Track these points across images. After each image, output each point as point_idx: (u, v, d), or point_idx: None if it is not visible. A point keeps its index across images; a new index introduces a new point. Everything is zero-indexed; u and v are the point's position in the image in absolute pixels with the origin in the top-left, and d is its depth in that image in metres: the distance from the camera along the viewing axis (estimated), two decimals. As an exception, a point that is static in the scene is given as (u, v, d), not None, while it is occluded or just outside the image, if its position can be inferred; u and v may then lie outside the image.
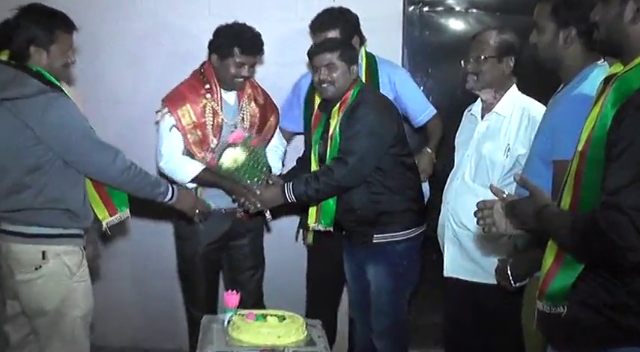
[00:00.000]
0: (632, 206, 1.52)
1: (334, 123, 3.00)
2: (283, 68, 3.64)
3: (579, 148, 1.73)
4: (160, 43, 3.81)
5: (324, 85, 2.99)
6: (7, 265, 2.55)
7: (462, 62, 2.81)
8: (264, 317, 2.71)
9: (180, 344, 3.57)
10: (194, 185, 3.14)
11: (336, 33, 3.21)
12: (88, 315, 2.63)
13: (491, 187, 1.95)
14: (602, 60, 2.24)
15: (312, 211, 3.11)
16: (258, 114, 3.26)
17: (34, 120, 2.43)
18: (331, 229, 3.09)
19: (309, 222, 3.14)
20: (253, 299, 3.25)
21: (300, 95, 3.49)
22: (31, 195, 2.47)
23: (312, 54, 3.03)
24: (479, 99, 2.88)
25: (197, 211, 3.02)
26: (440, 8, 3.95)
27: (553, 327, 1.82)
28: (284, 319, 2.70)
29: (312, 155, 3.14)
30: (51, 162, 2.49)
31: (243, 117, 3.21)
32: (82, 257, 2.61)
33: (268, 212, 3.16)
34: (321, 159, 3.09)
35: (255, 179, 3.07)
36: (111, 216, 2.69)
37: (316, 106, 3.27)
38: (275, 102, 3.44)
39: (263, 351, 2.54)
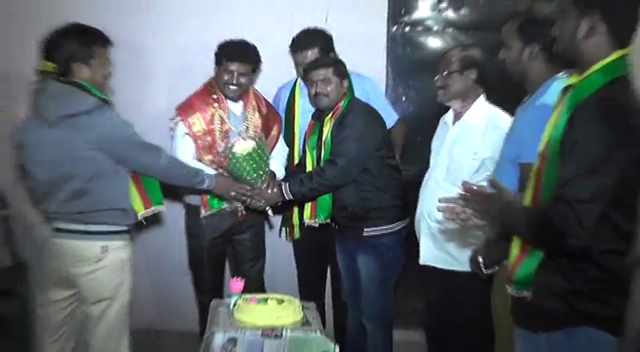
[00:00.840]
0: (575, 198, 1.59)
1: (327, 129, 3.05)
2: (283, 79, 3.63)
3: (540, 150, 1.80)
4: (167, 59, 3.81)
5: (320, 97, 3.03)
6: (63, 259, 2.57)
7: (435, 78, 2.82)
8: (265, 300, 2.72)
9: (191, 325, 3.52)
10: None
11: (316, 51, 3.25)
12: (129, 302, 2.68)
13: (463, 183, 1.95)
14: (563, 72, 2.27)
15: (307, 208, 3.15)
16: (260, 124, 3.25)
17: (93, 132, 2.45)
18: (329, 221, 3.12)
19: (305, 217, 3.17)
20: (255, 286, 3.26)
21: (278, 104, 3.51)
22: (93, 199, 2.50)
23: (309, 69, 3.07)
24: (450, 108, 2.89)
25: (233, 193, 3.05)
26: (420, 28, 3.95)
27: (520, 309, 1.88)
28: (282, 302, 2.72)
29: (309, 159, 3.16)
30: (106, 168, 2.52)
31: (247, 126, 3.21)
32: (131, 250, 2.66)
33: (270, 210, 3.19)
34: (318, 163, 3.12)
35: (260, 172, 3.08)
36: (146, 208, 2.70)
37: (296, 113, 3.34)
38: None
39: (264, 331, 2.56)
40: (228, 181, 3.05)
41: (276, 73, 3.64)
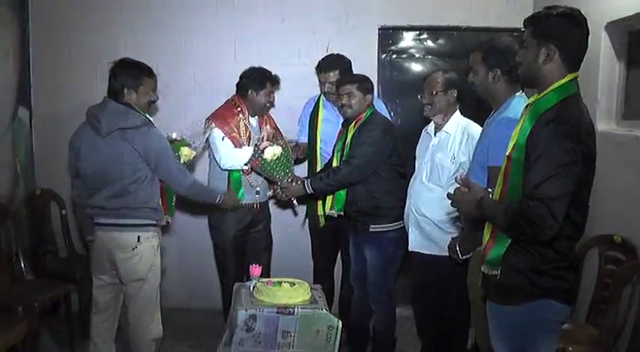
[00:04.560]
0: (549, 197, 1.60)
1: (350, 135, 3.05)
2: (292, 100, 3.69)
3: (507, 153, 1.81)
4: (199, 82, 3.86)
5: (345, 108, 3.04)
6: (108, 249, 2.62)
7: (419, 96, 2.85)
8: (280, 283, 2.75)
9: (214, 304, 3.61)
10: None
11: (337, 72, 3.27)
12: (160, 284, 2.73)
13: (456, 179, 1.94)
14: (521, 92, 2.31)
15: (328, 201, 3.15)
16: (272, 133, 3.31)
17: (140, 144, 2.53)
18: (342, 213, 3.10)
19: (326, 208, 3.17)
20: (265, 271, 3.28)
21: (306, 114, 3.54)
22: (132, 198, 2.57)
23: (338, 84, 3.09)
24: (432, 121, 2.90)
25: (227, 209, 3.12)
26: (404, 55, 3.99)
27: (491, 286, 1.88)
28: (294, 284, 2.75)
29: (335, 160, 3.15)
30: (145, 175, 2.59)
31: (263, 135, 3.25)
32: (159, 240, 2.71)
33: (295, 200, 3.26)
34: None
35: (287, 171, 3.10)
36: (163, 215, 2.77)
37: (319, 121, 3.37)
38: (289, 121, 3.56)
39: (279, 309, 2.59)
40: (232, 196, 3.10)
41: (290, 93, 3.70)
